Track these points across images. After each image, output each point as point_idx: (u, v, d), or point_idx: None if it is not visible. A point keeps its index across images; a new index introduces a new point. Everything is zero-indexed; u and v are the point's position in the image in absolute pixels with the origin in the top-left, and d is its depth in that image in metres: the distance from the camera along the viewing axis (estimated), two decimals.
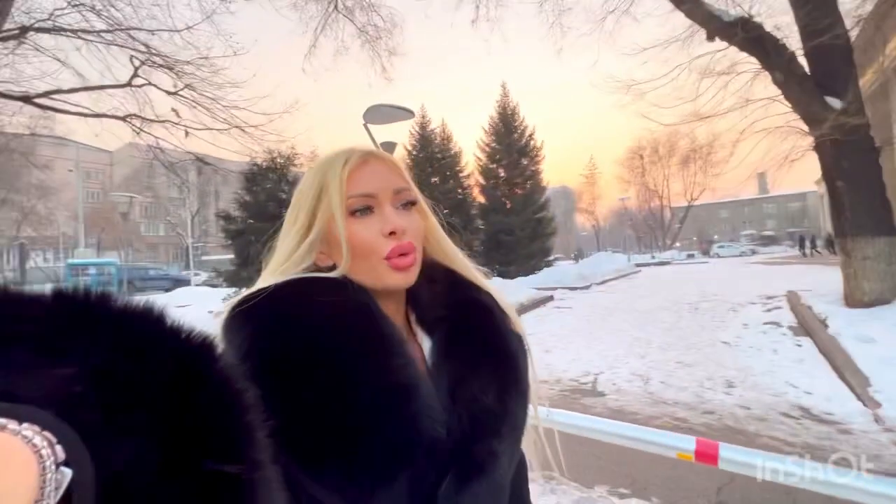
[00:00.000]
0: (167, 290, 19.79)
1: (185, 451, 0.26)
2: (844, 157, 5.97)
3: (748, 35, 6.26)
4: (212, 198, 43.58)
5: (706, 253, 41.17)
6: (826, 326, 5.59)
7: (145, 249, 44.97)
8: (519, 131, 21.54)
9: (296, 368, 0.47)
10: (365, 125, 6.98)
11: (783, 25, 6.61)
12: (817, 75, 6.15)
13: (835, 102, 5.87)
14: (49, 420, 0.21)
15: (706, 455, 1.28)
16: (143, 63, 8.36)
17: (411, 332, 0.61)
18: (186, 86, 8.67)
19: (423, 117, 22.34)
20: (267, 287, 0.51)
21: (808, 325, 6.09)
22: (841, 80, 5.96)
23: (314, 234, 0.56)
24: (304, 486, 0.47)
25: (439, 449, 0.48)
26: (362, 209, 0.55)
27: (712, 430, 3.39)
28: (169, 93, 8.60)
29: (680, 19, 7.20)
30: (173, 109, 8.72)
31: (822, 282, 8.71)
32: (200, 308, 12.14)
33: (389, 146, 7.89)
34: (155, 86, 8.63)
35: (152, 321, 0.29)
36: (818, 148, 6.24)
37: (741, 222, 64.21)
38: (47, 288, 0.28)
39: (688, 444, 1.33)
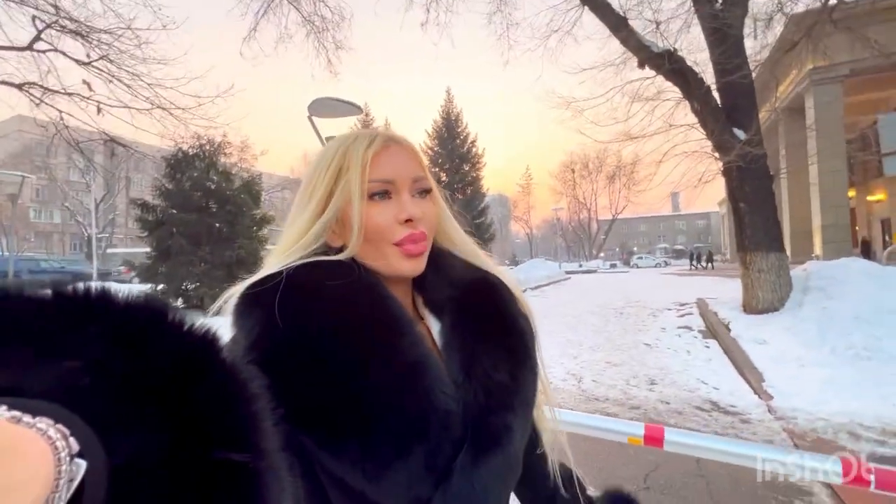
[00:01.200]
0: None
1: (192, 440, 0.26)
2: (746, 182, 6.82)
3: (672, 67, 6.95)
4: (122, 184, 39.24)
5: (627, 263, 44.77)
6: (729, 330, 6.33)
7: (35, 238, 39.27)
8: (461, 137, 22.00)
9: (309, 351, 0.47)
10: (309, 117, 6.71)
11: (701, 62, 7.43)
12: (727, 108, 6.97)
13: (740, 134, 6.70)
14: (61, 413, 0.21)
15: (653, 439, 1.39)
16: (48, 26, 7.34)
17: (418, 314, 0.62)
18: (102, 56, 7.75)
19: (367, 116, 22.04)
20: (278, 271, 0.51)
21: (715, 329, 6.85)
22: (746, 115, 6.82)
23: (329, 213, 0.56)
24: (323, 463, 0.47)
25: (453, 422, 0.50)
26: (380, 193, 0.56)
27: None
28: (81, 62, 7.63)
29: (615, 45, 7.81)
30: (85, 82, 7.74)
31: (724, 290, 9.84)
32: None
33: None
34: (63, 53, 7.61)
35: (154, 314, 0.30)
36: (726, 172, 7.07)
37: (657, 236, 70.72)
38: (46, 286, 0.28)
39: (637, 429, 1.43)
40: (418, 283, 0.62)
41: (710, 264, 29.74)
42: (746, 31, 7.36)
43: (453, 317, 0.59)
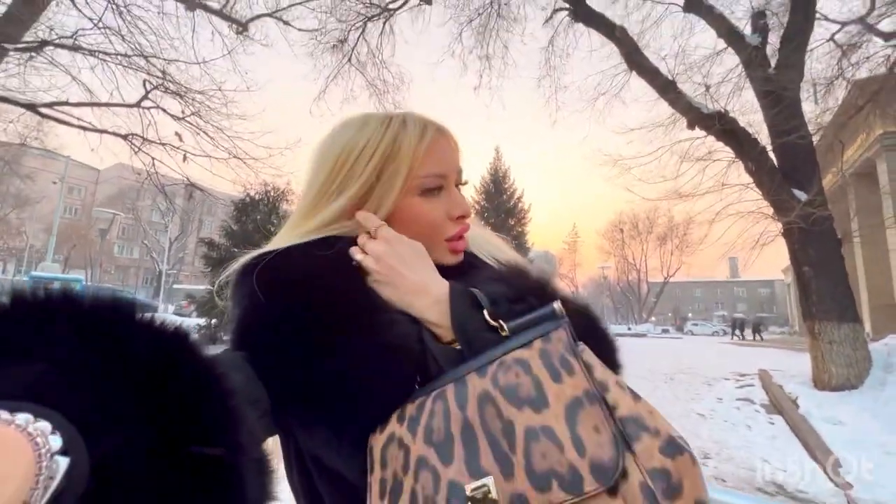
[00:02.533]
0: None
1: (169, 436, 0.26)
2: (810, 244, 6.39)
3: (724, 127, 6.90)
4: (194, 226, 43.04)
5: (680, 329, 41.90)
6: (797, 406, 5.68)
7: (115, 271, 43.34)
8: (508, 193, 22.44)
9: (287, 327, 0.46)
10: None
11: (754, 122, 7.33)
12: (785, 169, 6.71)
13: (801, 195, 6.39)
14: (41, 410, 0.21)
15: None
16: (155, 87, 8.62)
17: None
18: (194, 112, 8.91)
19: None
20: (276, 249, 0.51)
21: (780, 404, 6.16)
22: (806, 176, 6.52)
23: (374, 203, 0.53)
24: (299, 439, 0.47)
25: None
26: (435, 189, 0.54)
27: None
28: (176, 118, 8.80)
29: (664, 107, 7.92)
30: (177, 133, 8.88)
31: (790, 363, 8.92)
32: None
33: None
34: (163, 109, 8.84)
35: (121, 313, 0.29)
36: (787, 233, 6.67)
37: (714, 303, 66.01)
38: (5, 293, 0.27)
39: None
40: None
41: (756, 335, 27.26)
42: (804, 95, 7.24)
43: None
